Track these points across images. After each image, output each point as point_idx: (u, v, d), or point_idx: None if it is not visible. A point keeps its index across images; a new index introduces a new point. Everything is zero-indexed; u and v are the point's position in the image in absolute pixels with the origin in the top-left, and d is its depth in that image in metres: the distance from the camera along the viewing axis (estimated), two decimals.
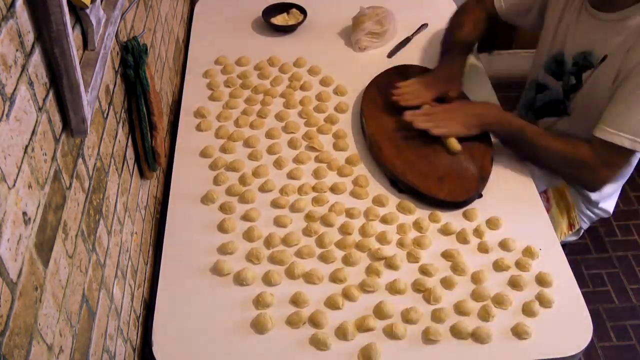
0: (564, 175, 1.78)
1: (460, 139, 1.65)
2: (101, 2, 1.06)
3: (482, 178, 1.60)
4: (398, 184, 1.60)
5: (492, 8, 1.90)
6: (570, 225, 1.85)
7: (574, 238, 1.91)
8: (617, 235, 2.66)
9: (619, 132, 1.52)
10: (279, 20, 2.15)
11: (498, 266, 1.44)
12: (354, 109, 1.83)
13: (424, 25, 2.15)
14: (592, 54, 1.65)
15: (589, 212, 1.87)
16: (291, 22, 2.14)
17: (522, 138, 1.63)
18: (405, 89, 1.76)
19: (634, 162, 1.72)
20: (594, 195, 1.82)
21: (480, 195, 1.59)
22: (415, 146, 1.66)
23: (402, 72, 1.88)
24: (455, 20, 1.94)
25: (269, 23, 2.12)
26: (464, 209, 1.56)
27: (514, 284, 1.41)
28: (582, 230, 1.92)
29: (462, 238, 1.50)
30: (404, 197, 1.58)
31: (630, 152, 1.56)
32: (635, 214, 2.66)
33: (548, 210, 1.78)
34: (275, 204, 1.56)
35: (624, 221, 2.67)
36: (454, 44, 1.89)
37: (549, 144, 1.62)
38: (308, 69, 1.96)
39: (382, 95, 1.79)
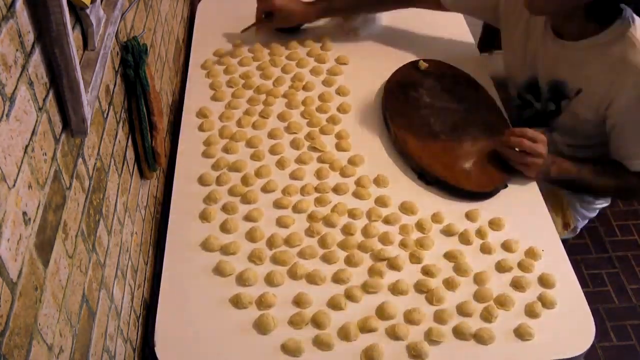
0: (619, 199, 1.94)
1: (484, 129, 1.71)
2: (101, 2, 1.06)
3: (507, 169, 1.62)
4: (425, 177, 1.62)
5: None
6: (566, 225, 1.88)
7: (570, 236, 1.94)
8: (617, 235, 2.66)
9: None
10: None
11: (501, 267, 1.44)
12: (356, 109, 1.83)
13: None
14: (566, 85, 1.67)
15: (583, 211, 1.90)
16: None
17: (580, 183, 1.67)
18: None
19: None
20: (589, 197, 1.87)
21: (506, 186, 1.60)
22: (439, 139, 1.69)
23: (418, 67, 1.90)
24: None
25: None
26: (467, 210, 1.56)
27: (517, 285, 1.40)
28: (579, 229, 1.95)
29: (464, 239, 1.49)
30: (432, 190, 1.61)
31: None
32: (635, 214, 2.66)
33: None
34: (277, 205, 1.56)
35: (624, 221, 2.66)
36: None
37: (605, 184, 1.68)
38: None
39: (402, 90, 1.82)
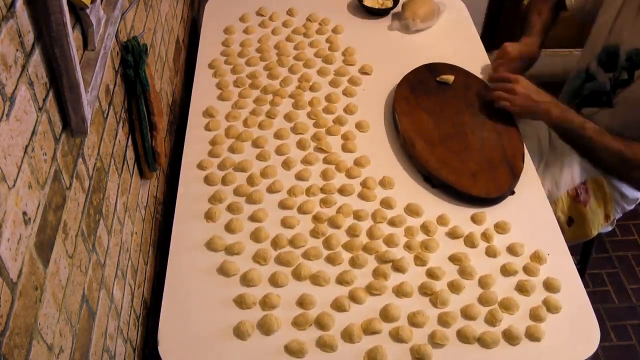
0: (617, 174, 1.83)
1: (492, 135, 1.72)
2: (101, 2, 1.06)
3: (515, 175, 1.62)
4: (432, 180, 1.62)
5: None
6: (607, 217, 1.89)
7: (609, 228, 1.95)
8: (617, 235, 2.65)
9: None
10: None
11: (506, 270, 1.43)
12: (362, 110, 1.82)
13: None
14: None
15: (623, 204, 1.91)
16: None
17: (583, 136, 1.68)
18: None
19: None
20: (629, 190, 1.87)
21: (513, 192, 1.60)
22: (448, 143, 1.69)
23: (432, 70, 1.90)
24: (535, 6, 2.03)
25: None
26: (473, 213, 1.55)
27: (522, 288, 1.39)
28: (615, 221, 1.95)
29: (470, 242, 1.48)
30: (437, 193, 1.60)
31: None
32: (635, 214, 2.63)
33: (587, 201, 1.84)
34: (283, 205, 1.56)
35: (624, 221, 2.65)
36: (532, 30, 1.98)
37: (609, 144, 1.66)
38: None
39: (413, 93, 1.82)
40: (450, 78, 1.85)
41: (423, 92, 1.82)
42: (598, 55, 1.84)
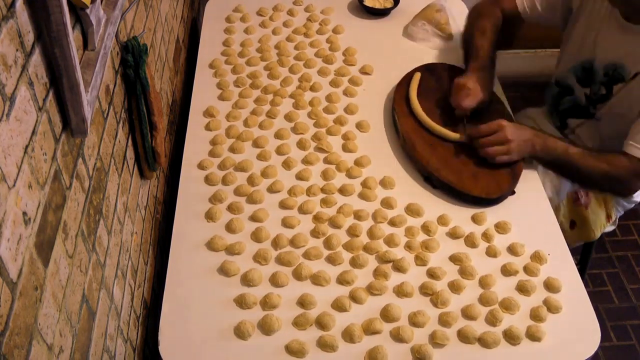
0: (601, 190, 1.80)
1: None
2: (101, 2, 1.06)
3: (515, 175, 1.61)
4: (432, 180, 1.62)
5: (511, 9, 1.88)
6: (608, 217, 1.88)
7: (611, 228, 1.94)
8: (617, 235, 2.64)
9: None
10: None
11: (506, 270, 1.43)
12: (363, 110, 1.82)
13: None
14: (624, 67, 1.66)
15: (623, 202, 1.90)
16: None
17: (567, 161, 1.62)
18: (463, 85, 1.71)
19: None
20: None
21: (513, 192, 1.60)
22: (448, 143, 1.68)
23: (431, 70, 1.90)
24: (476, 24, 1.87)
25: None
26: (473, 213, 1.55)
27: (522, 289, 1.39)
28: (617, 220, 1.94)
29: (470, 242, 1.48)
30: (438, 193, 1.60)
31: None
32: (635, 213, 2.64)
33: (587, 204, 1.83)
34: (283, 205, 1.55)
35: (624, 221, 2.65)
36: (479, 52, 1.81)
37: (593, 165, 1.61)
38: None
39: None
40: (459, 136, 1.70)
41: (423, 92, 1.81)
42: (573, 69, 1.81)
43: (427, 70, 1.89)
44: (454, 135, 1.68)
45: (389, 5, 2.17)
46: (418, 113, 1.73)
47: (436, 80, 1.86)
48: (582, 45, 1.77)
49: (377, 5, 2.17)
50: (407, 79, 1.86)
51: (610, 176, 1.61)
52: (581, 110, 1.82)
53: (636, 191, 1.73)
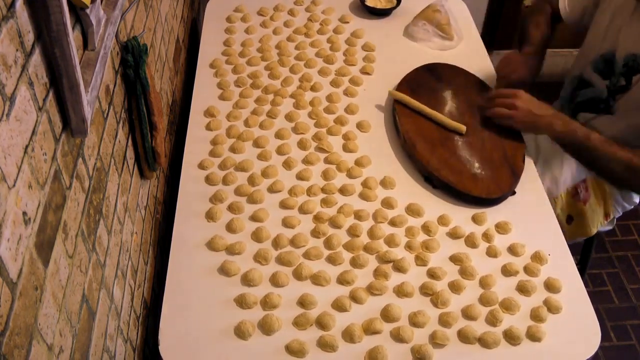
0: (627, 184, 1.78)
1: (493, 135, 1.71)
2: (101, 2, 1.06)
3: (515, 175, 1.62)
4: (432, 180, 1.62)
5: (554, 8, 1.94)
6: (606, 215, 1.88)
7: (609, 227, 1.93)
8: (617, 235, 2.65)
9: None
10: None
11: (506, 271, 1.43)
12: (363, 110, 1.82)
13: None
14: None
15: (623, 202, 1.90)
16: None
17: (588, 147, 1.63)
18: (511, 58, 1.84)
19: None
20: None
21: (514, 192, 1.60)
22: (448, 143, 1.69)
23: (432, 70, 1.90)
24: (531, 17, 1.98)
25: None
26: (474, 213, 1.55)
27: (522, 289, 1.39)
28: (615, 220, 1.94)
29: (471, 242, 1.48)
30: (438, 193, 1.60)
31: None
32: (635, 214, 2.64)
33: (586, 199, 1.83)
34: (283, 205, 1.56)
35: (624, 221, 2.65)
36: (532, 40, 1.91)
37: (616, 153, 1.61)
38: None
39: (414, 93, 1.81)
40: (462, 128, 1.73)
41: (423, 92, 1.81)
42: (594, 62, 1.82)
43: (427, 70, 1.89)
44: (458, 126, 1.70)
45: (390, 5, 2.17)
46: (418, 106, 1.74)
47: (436, 80, 1.86)
48: (604, 37, 1.77)
49: (379, 5, 2.17)
50: (407, 79, 1.86)
51: (633, 167, 1.61)
52: (596, 105, 1.82)
53: None
